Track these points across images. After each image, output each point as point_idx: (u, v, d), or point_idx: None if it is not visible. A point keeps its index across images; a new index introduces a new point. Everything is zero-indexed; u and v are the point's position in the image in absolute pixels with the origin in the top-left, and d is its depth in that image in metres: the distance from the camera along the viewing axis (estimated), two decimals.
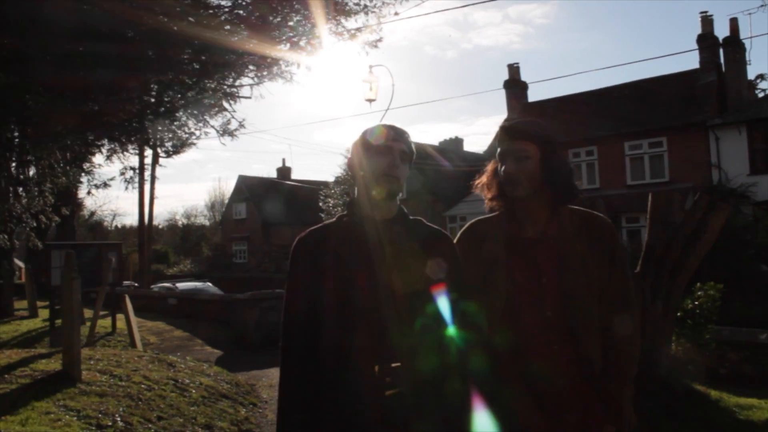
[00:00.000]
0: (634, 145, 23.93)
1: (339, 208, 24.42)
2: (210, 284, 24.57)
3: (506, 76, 30.57)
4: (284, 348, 2.11)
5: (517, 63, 30.68)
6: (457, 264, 2.24)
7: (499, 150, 2.39)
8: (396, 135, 2.17)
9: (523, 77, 30.68)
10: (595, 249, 2.29)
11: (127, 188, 10.19)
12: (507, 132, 2.37)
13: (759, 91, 32.10)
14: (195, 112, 8.87)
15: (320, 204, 27.07)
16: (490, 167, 2.50)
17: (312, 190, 37.15)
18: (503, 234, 2.37)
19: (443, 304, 2.12)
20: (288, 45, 7.73)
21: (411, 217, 2.25)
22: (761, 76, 37.59)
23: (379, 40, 8.54)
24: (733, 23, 24.18)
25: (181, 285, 23.48)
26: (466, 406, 2.08)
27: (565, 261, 2.26)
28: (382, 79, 14.11)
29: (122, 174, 10.09)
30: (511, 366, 2.22)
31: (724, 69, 23.94)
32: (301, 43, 7.80)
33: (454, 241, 2.41)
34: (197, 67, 7.39)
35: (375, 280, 2.04)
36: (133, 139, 9.04)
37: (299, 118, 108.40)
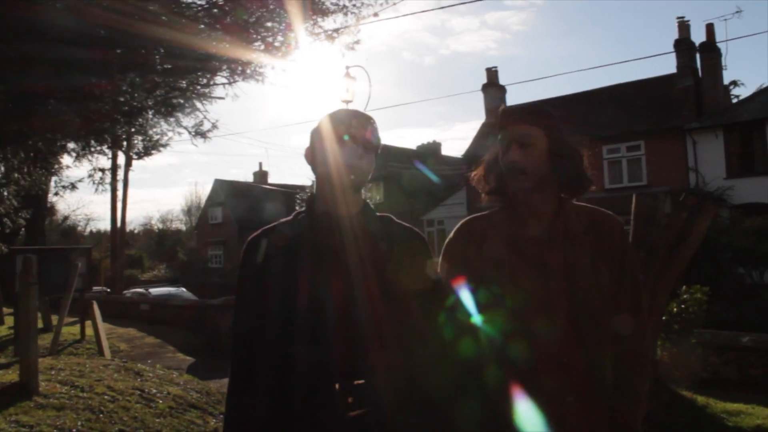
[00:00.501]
0: (612, 149, 23.98)
1: None
2: (184, 290, 24.09)
3: (483, 82, 30.53)
4: (233, 366, 1.87)
5: (496, 66, 30.61)
6: (433, 267, 2.02)
7: (499, 137, 2.13)
8: (360, 122, 1.93)
9: (501, 82, 30.69)
10: (604, 249, 2.06)
11: (96, 190, 9.85)
12: (508, 115, 2.11)
13: (733, 96, 32.38)
14: (165, 112, 8.58)
15: (297, 208, 26.58)
16: (487, 157, 2.24)
17: (289, 194, 36.87)
18: (504, 233, 2.12)
19: (431, 309, 1.91)
20: (263, 45, 7.51)
21: (378, 214, 2.02)
22: (734, 83, 37.98)
23: (357, 42, 8.30)
24: (710, 29, 24.28)
25: (155, 290, 22.97)
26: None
27: (573, 262, 2.02)
28: (359, 81, 13.86)
29: (90, 176, 9.78)
30: (519, 382, 1.96)
31: (700, 74, 24.05)
32: (277, 44, 7.56)
33: (447, 240, 2.21)
34: (168, 66, 7.12)
35: (339, 283, 1.80)
36: (101, 139, 8.73)
37: (276, 121, 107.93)
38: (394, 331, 1.82)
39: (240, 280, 1.93)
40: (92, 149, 8.86)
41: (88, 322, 12.29)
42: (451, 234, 2.24)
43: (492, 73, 30.26)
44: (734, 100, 29.39)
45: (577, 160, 2.09)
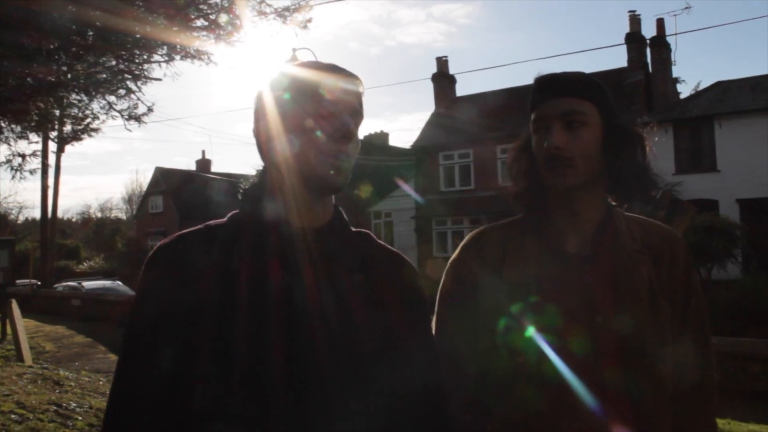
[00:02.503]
0: None
1: None
2: (120, 283, 22.94)
3: (430, 74, 29.94)
4: None
5: (446, 56, 30.17)
6: (426, 308, 1.42)
7: (534, 115, 1.55)
8: (345, 82, 1.26)
9: (450, 73, 30.20)
10: (663, 277, 1.53)
11: (13, 177, 8.90)
12: (549, 84, 1.55)
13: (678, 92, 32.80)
14: (93, 90, 7.77)
15: (240, 198, 25.75)
16: (520, 141, 1.64)
17: (232, 183, 35.81)
18: (532, 248, 1.56)
19: (412, 370, 1.29)
20: (205, 23, 6.88)
21: (354, 229, 1.37)
22: (676, 80, 38.55)
23: (309, 20, 7.70)
24: (660, 23, 24.27)
25: (88, 284, 21.68)
26: None
27: (626, 291, 1.48)
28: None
29: (8, 161, 8.87)
30: None
31: (650, 68, 24.06)
32: (220, 21, 6.95)
33: (453, 257, 1.66)
34: (90, 34, 6.33)
35: (288, 340, 1.16)
36: (18, 120, 7.87)
37: (221, 108, 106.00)
38: (373, 399, 1.20)
39: (137, 312, 1.21)
40: (8, 131, 7.99)
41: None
42: (457, 252, 1.66)
43: (442, 63, 29.81)
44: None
45: (640, 152, 1.55)
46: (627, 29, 24.06)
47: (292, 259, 1.21)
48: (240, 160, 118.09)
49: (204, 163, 46.22)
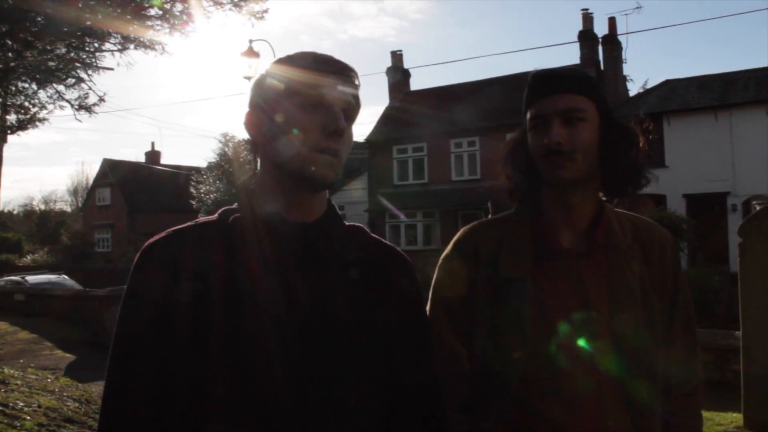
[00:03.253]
0: None
1: (212, 195, 22.85)
2: (66, 277, 22.30)
3: (383, 68, 29.95)
4: None
5: (400, 50, 30.14)
6: (422, 304, 1.42)
7: (531, 112, 1.55)
8: (341, 74, 1.23)
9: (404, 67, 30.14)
10: (654, 272, 1.57)
11: None
12: (547, 80, 1.55)
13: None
14: (42, 78, 7.51)
15: (192, 191, 25.42)
16: (514, 136, 1.65)
17: (183, 176, 35.20)
18: (526, 244, 1.57)
19: (408, 367, 1.31)
20: (159, 12, 6.72)
21: (347, 224, 1.36)
22: (625, 78, 39.37)
23: (266, 11, 7.60)
24: (612, 22, 24.71)
25: (32, 278, 21.03)
26: None
27: (619, 286, 1.51)
28: (263, 57, 13.01)
29: None
30: None
31: (602, 66, 24.45)
32: (175, 11, 6.80)
33: (446, 252, 1.66)
34: (40, 23, 6.10)
35: (292, 333, 1.15)
36: None
37: (172, 99, 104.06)
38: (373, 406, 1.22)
39: (125, 317, 1.17)
40: None
41: None
42: (450, 248, 1.65)
43: (397, 57, 29.78)
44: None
45: (635, 147, 1.58)
46: (574, 27, 24.56)
47: (286, 255, 1.19)
48: (191, 152, 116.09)
49: (153, 155, 45.38)
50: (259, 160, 1.31)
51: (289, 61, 1.24)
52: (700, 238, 18.23)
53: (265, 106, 1.24)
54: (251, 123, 1.28)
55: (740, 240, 5.41)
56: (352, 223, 1.37)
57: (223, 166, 23.01)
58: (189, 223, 1.27)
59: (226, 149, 23.49)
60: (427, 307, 1.55)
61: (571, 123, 1.49)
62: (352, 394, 1.18)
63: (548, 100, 1.51)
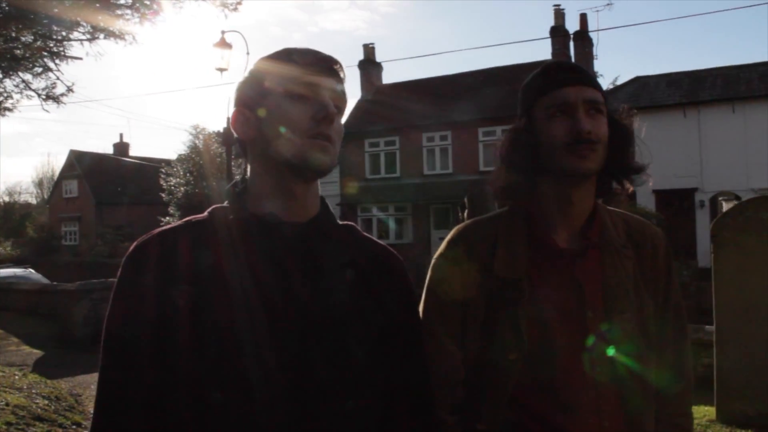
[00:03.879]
0: (488, 131, 24.08)
1: (182, 188, 22.59)
2: (32, 271, 21.81)
3: (354, 61, 29.73)
4: None
5: (373, 43, 30.03)
6: (416, 305, 1.45)
7: (551, 99, 1.50)
8: (328, 67, 1.25)
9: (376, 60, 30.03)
10: (646, 271, 1.56)
11: None
12: (571, 71, 1.53)
13: None
14: (7, 67, 7.31)
15: (161, 183, 25.12)
16: (515, 129, 1.59)
17: (152, 168, 34.72)
18: (524, 242, 1.53)
19: (402, 369, 1.32)
20: (128, 0, 6.60)
21: (340, 222, 1.35)
22: (596, 74, 39.85)
23: (239, 2, 7.49)
24: (583, 18, 24.86)
25: None
26: None
27: (615, 286, 1.50)
28: (235, 48, 12.85)
29: None
30: None
31: (573, 62, 24.32)
32: (144, 0, 6.67)
33: (439, 251, 1.61)
34: (5, 11, 5.94)
35: (284, 339, 1.15)
36: None
37: (142, 89, 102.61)
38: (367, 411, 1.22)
39: (114, 319, 1.17)
40: None
41: None
42: (443, 248, 1.61)
43: (369, 50, 29.65)
44: None
45: (633, 145, 1.60)
46: (546, 23, 24.69)
47: (283, 256, 1.18)
48: (160, 144, 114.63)
49: (122, 147, 44.58)
50: (249, 161, 1.29)
51: (273, 57, 1.24)
52: (669, 233, 18.40)
53: (252, 103, 1.24)
54: (239, 122, 1.26)
55: (710, 235, 5.47)
56: (344, 222, 1.36)
57: (193, 159, 22.73)
58: (179, 222, 1.26)
59: (197, 141, 23.20)
60: (421, 307, 1.53)
61: (591, 114, 1.48)
62: (350, 395, 1.17)
63: (573, 90, 1.48)
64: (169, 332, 1.11)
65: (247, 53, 13.33)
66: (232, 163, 13.29)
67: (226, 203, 1.27)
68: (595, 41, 25.05)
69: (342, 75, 1.27)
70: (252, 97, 1.24)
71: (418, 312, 1.42)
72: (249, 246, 1.18)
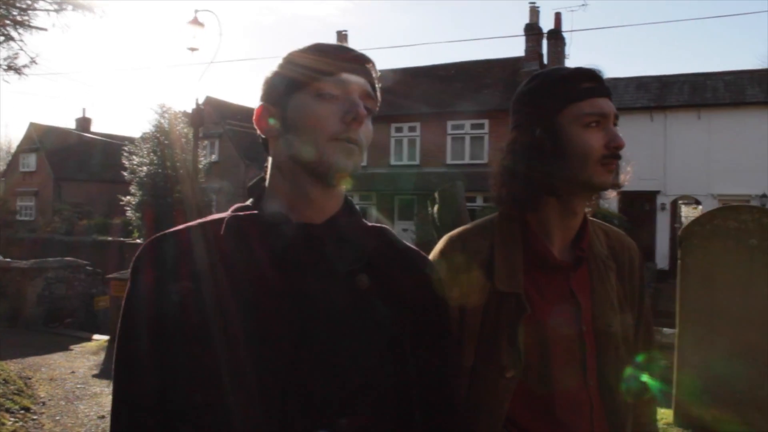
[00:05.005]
0: (457, 125, 24.19)
1: (146, 167, 22.12)
2: None
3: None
4: None
5: (346, 30, 29.82)
6: (448, 317, 1.32)
7: (590, 108, 1.43)
8: (361, 65, 1.19)
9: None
10: (625, 283, 1.56)
11: None
12: (602, 81, 1.47)
13: None
14: None
15: (124, 162, 24.61)
16: (529, 133, 1.48)
17: (115, 145, 34.00)
18: (521, 254, 1.47)
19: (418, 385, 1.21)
20: None
21: (369, 224, 1.28)
22: None
23: None
24: (557, 17, 25.00)
25: None
26: None
27: (602, 300, 1.49)
28: (208, 28, 12.54)
29: None
30: None
31: (546, 60, 24.76)
32: None
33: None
34: None
35: (295, 337, 1.09)
36: None
37: (108, 65, 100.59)
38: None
39: (128, 321, 1.14)
40: None
41: None
42: (435, 259, 1.50)
43: (342, 38, 29.46)
44: None
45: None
46: (520, 19, 24.80)
47: (282, 257, 1.12)
48: (124, 121, 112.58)
49: (84, 122, 43.48)
50: (270, 158, 1.24)
51: (303, 52, 1.19)
52: (630, 234, 18.68)
53: (278, 99, 1.18)
54: (263, 118, 1.21)
55: (678, 242, 5.51)
56: (375, 224, 1.27)
57: (158, 138, 22.26)
58: (192, 223, 1.21)
59: (162, 121, 22.71)
60: None
61: (615, 127, 1.46)
62: (343, 411, 1.09)
63: (604, 101, 1.45)
64: (173, 334, 1.08)
65: (220, 34, 13.04)
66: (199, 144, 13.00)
67: (249, 201, 1.24)
68: (568, 40, 25.26)
69: (375, 74, 1.21)
70: (278, 93, 1.18)
71: (449, 326, 1.33)
72: (260, 248, 1.13)
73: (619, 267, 1.56)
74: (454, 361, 1.32)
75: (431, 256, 1.52)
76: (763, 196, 20.01)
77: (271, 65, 1.22)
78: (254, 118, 1.23)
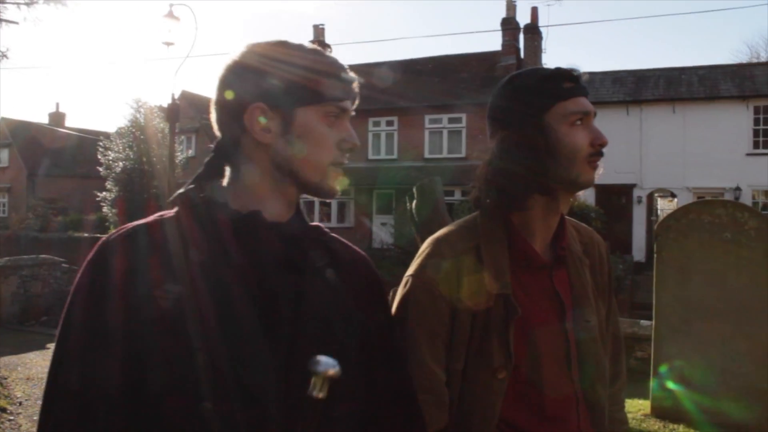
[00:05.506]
0: (435, 119, 24.21)
1: (121, 163, 21.93)
2: None
3: (304, 39, 29.27)
4: None
5: (323, 24, 29.77)
6: (389, 308, 1.38)
7: (574, 106, 1.45)
8: (354, 83, 1.23)
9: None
10: (597, 278, 1.60)
11: None
12: (581, 80, 1.49)
13: None
14: None
15: (99, 157, 24.35)
16: (519, 134, 1.46)
17: (90, 140, 33.58)
18: (506, 255, 1.46)
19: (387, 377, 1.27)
20: None
21: (310, 224, 1.27)
22: None
23: None
24: (534, 12, 25.14)
25: None
26: None
27: (580, 296, 1.52)
28: (183, 22, 12.36)
29: None
30: None
31: (522, 54, 24.82)
32: None
33: (418, 267, 1.49)
34: None
35: (278, 343, 1.09)
36: None
37: (82, 60, 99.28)
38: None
39: (69, 325, 1.06)
40: None
41: None
42: (421, 263, 1.50)
43: (319, 31, 29.32)
44: None
45: None
46: (496, 14, 24.86)
47: (266, 256, 1.13)
48: (99, 116, 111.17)
49: (57, 117, 42.86)
50: (244, 157, 1.19)
51: (311, 57, 1.18)
52: (607, 227, 18.94)
53: (281, 105, 1.15)
54: (254, 119, 1.15)
55: (654, 236, 5.58)
56: (313, 223, 1.27)
57: (134, 133, 22.06)
58: (150, 218, 1.16)
59: (138, 115, 22.51)
60: (402, 328, 1.43)
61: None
62: (338, 401, 1.09)
63: (585, 100, 1.47)
64: (147, 340, 1.02)
65: (196, 27, 12.92)
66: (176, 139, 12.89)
67: (190, 195, 1.16)
68: (544, 35, 25.41)
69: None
70: (282, 99, 1.15)
71: (391, 315, 1.38)
72: (234, 245, 1.11)
73: (591, 262, 1.59)
74: (404, 353, 1.35)
75: (418, 259, 1.51)
76: (737, 188, 20.32)
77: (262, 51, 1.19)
78: (245, 115, 1.16)
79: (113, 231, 1.15)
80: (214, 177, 1.22)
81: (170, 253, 1.08)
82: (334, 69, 1.18)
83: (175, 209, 1.17)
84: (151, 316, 1.03)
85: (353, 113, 1.23)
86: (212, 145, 1.24)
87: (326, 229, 1.29)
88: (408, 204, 5.91)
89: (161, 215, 1.17)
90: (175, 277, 1.06)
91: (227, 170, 1.22)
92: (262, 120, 1.15)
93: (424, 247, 1.53)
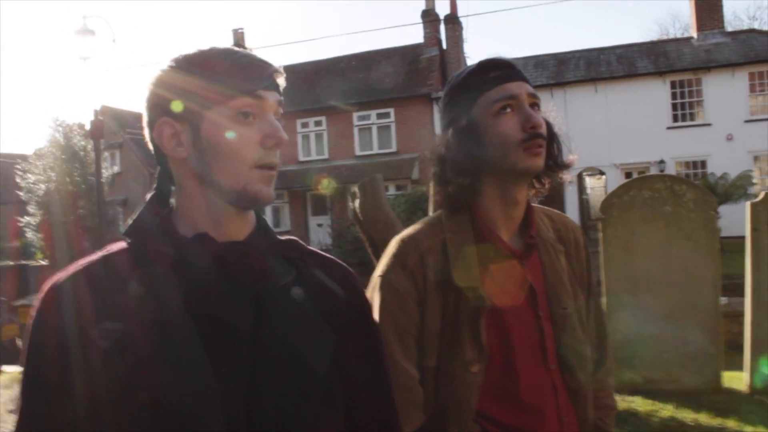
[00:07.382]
0: (363, 116, 24.32)
1: (43, 185, 21.08)
2: None
3: (228, 43, 28.93)
4: None
5: (242, 28, 29.33)
6: (372, 321, 1.29)
7: (500, 93, 1.44)
8: (273, 74, 1.08)
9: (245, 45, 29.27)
10: (573, 262, 1.60)
11: None
12: (509, 66, 1.48)
13: None
14: None
15: (18, 181, 23.36)
16: (453, 130, 1.49)
17: (6, 164, 32.19)
18: (473, 248, 1.46)
19: (363, 396, 1.19)
20: None
21: (281, 238, 1.19)
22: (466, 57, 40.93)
23: None
24: (453, 2, 25.35)
25: None
26: None
27: (555, 284, 1.51)
28: (99, 35, 11.84)
29: None
30: None
31: (445, 45, 25.14)
32: None
33: (385, 268, 1.49)
34: None
35: (235, 379, 1.00)
36: None
37: None
38: None
39: (30, 373, 1.01)
40: None
41: None
42: (388, 263, 1.50)
43: (239, 36, 29.04)
44: None
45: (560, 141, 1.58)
46: (412, 6, 25.07)
47: (219, 279, 1.03)
48: (13, 137, 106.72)
49: None
50: (176, 178, 1.11)
51: (210, 58, 1.06)
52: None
53: (186, 115, 1.04)
54: (166, 136, 1.06)
55: (600, 215, 5.67)
56: (286, 237, 1.19)
57: (54, 154, 21.22)
58: (96, 256, 1.07)
59: (57, 135, 21.66)
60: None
61: (534, 110, 1.45)
62: (306, 428, 1.03)
63: (515, 85, 1.44)
64: (95, 381, 0.95)
65: (113, 40, 12.46)
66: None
67: (138, 224, 1.08)
68: (465, 25, 25.70)
69: (283, 85, 1.11)
70: (184, 107, 1.04)
71: (375, 326, 1.30)
72: (182, 272, 1.01)
73: (566, 249, 1.58)
74: (385, 364, 1.27)
75: (384, 258, 1.52)
76: (661, 161, 21.03)
77: (162, 67, 1.08)
78: (155, 135, 1.08)
79: (61, 271, 1.05)
80: (163, 202, 1.13)
81: (113, 291, 1.00)
82: (242, 59, 1.06)
83: (123, 242, 1.09)
84: (95, 358, 0.95)
85: (280, 102, 1.10)
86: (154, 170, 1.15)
87: (301, 243, 1.20)
88: (351, 204, 5.83)
89: (108, 250, 1.08)
90: (115, 315, 0.97)
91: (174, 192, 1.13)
92: (170, 135, 1.06)
93: (391, 246, 1.54)
